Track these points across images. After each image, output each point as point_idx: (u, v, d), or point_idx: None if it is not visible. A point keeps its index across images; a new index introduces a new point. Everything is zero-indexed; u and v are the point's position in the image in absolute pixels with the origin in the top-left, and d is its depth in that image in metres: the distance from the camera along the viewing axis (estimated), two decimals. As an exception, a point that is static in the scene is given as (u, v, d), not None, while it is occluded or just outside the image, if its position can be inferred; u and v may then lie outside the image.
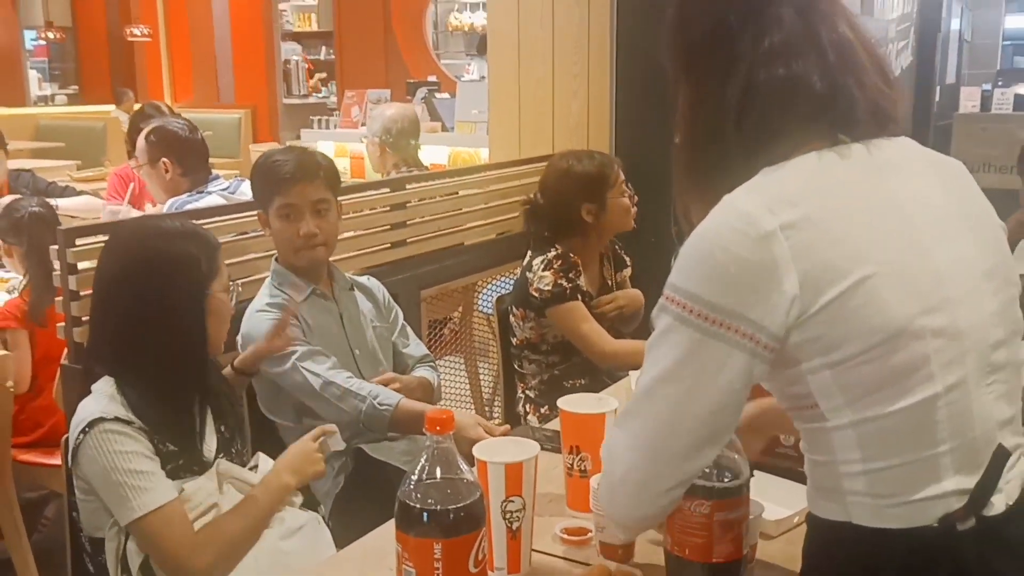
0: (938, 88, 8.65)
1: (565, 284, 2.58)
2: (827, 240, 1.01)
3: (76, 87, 13.16)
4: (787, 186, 1.04)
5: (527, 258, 2.69)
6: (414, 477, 1.12)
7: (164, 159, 3.19)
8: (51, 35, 13.23)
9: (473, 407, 3.87)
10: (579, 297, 2.60)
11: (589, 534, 1.53)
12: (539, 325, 2.65)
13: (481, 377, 3.94)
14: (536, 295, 2.60)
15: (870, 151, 1.07)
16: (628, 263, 2.89)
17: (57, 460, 2.70)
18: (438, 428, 1.11)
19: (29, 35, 13.23)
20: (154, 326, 1.68)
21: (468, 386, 3.91)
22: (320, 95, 12.02)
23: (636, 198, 2.75)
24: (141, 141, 3.27)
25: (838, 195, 1.04)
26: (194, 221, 1.99)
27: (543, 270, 2.60)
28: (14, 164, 4.34)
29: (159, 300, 1.68)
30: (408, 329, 2.43)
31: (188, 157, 3.24)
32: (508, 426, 2.00)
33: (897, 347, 1.00)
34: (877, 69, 1.10)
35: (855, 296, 0.99)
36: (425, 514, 1.10)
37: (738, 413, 1.07)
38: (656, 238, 3.36)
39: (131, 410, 1.61)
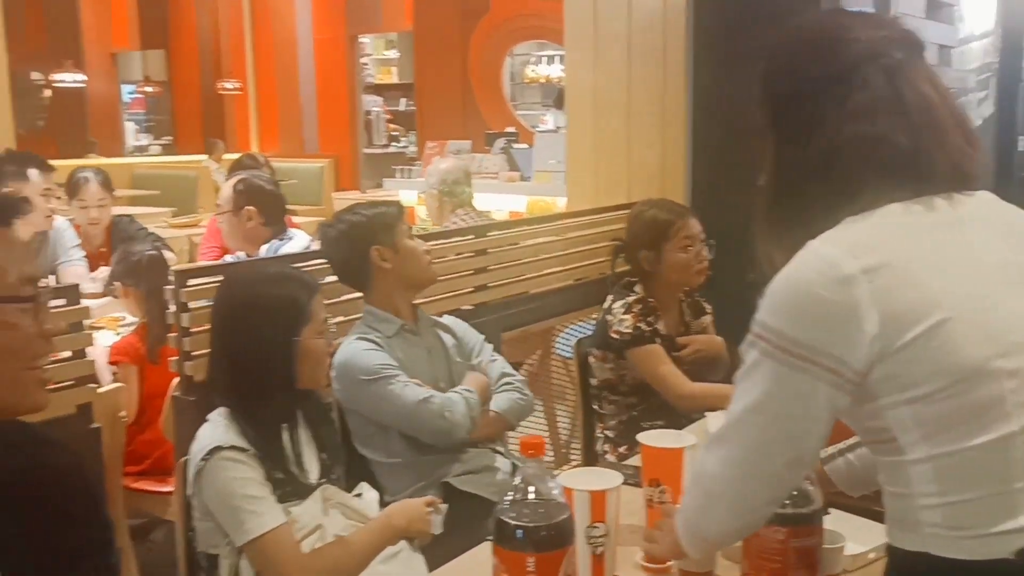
0: (1020, 139, 8.52)
1: (644, 327, 2.68)
2: (906, 285, 1.09)
3: (170, 138, 13.78)
4: (868, 234, 1.13)
5: (608, 301, 2.80)
6: (509, 497, 1.23)
7: (249, 207, 3.41)
8: (148, 89, 13.92)
9: (552, 448, 3.96)
10: (657, 340, 2.69)
11: (669, 563, 1.62)
12: (618, 367, 2.75)
13: (558, 419, 4.04)
14: (616, 337, 2.70)
15: (949, 205, 1.15)
16: (708, 310, 2.96)
17: (163, 488, 2.88)
18: (531, 452, 1.22)
19: (127, 89, 13.94)
20: (250, 363, 1.84)
21: (546, 428, 4.00)
22: (399, 145, 12.39)
23: (707, 254, 2.80)
24: (227, 189, 3.51)
25: (916, 244, 1.12)
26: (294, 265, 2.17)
27: (623, 313, 2.70)
28: (115, 211, 4.61)
29: (253, 340, 1.84)
30: (489, 354, 2.54)
31: (270, 208, 3.47)
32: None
33: (973, 386, 1.07)
34: (959, 128, 1.18)
35: (933, 338, 1.07)
36: (519, 530, 1.20)
37: (824, 438, 1.16)
38: (733, 287, 3.42)
39: (244, 438, 1.76)
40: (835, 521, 1.49)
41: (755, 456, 1.16)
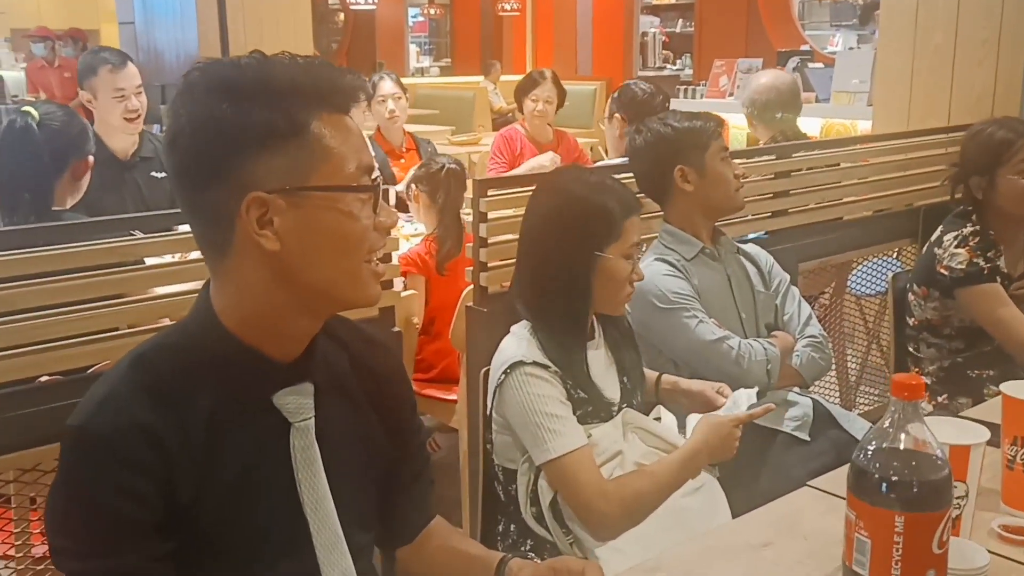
0: None
1: (982, 264, 2.35)
2: None
3: (448, 60, 14.17)
4: None
5: (937, 233, 2.48)
6: (873, 443, 1.05)
7: (618, 114, 3.30)
8: (432, 12, 14.35)
9: (838, 390, 3.69)
10: (997, 279, 2.35)
11: (1034, 535, 1.38)
12: (943, 306, 2.44)
13: (848, 361, 3.74)
14: (945, 273, 2.39)
15: None
16: None
17: (449, 396, 2.93)
18: (906, 394, 1.03)
19: (412, 12, 14.45)
20: (550, 274, 1.73)
21: (834, 369, 3.72)
22: (674, 68, 12.00)
23: None
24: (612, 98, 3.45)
25: None
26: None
27: (956, 247, 2.38)
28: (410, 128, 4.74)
29: (556, 248, 1.73)
30: (796, 301, 2.33)
31: (638, 118, 3.29)
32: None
33: None
34: None
35: None
36: (884, 484, 1.03)
37: None
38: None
39: (546, 354, 1.68)
40: None
41: None
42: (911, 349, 2.57)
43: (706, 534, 1.45)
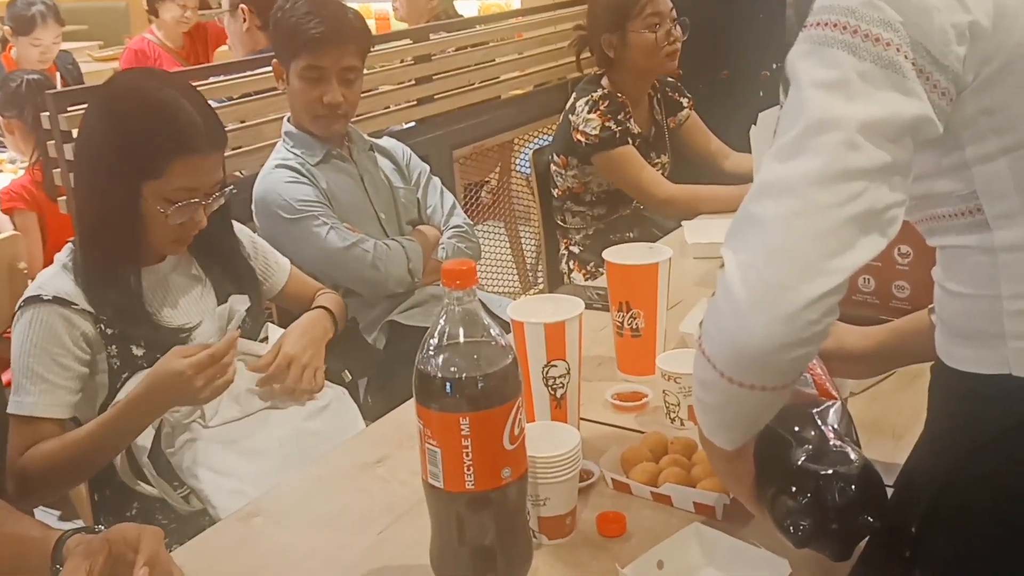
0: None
1: (613, 127, 2.34)
2: None
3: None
4: None
5: (571, 100, 2.44)
6: (433, 341, 0.93)
7: (242, 5, 2.94)
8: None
9: (517, 273, 3.70)
10: (629, 141, 2.36)
11: (644, 399, 1.36)
12: (583, 173, 2.43)
13: (523, 242, 3.76)
14: (582, 140, 2.36)
15: None
16: (685, 105, 2.60)
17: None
18: (458, 283, 0.92)
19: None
20: (89, 201, 1.47)
21: (510, 252, 3.73)
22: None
23: (678, 33, 2.42)
24: None
25: None
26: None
27: (588, 112, 2.36)
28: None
29: (95, 175, 1.45)
30: (438, 191, 2.20)
31: (267, 9, 2.97)
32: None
33: None
34: None
35: None
36: (448, 384, 0.91)
37: (907, 192, 0.79)
38: (704, 84, 3.08)
39: (80, 284, 1.41)
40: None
41: (802, 219, 0.77)
42: (559, 221, 2.56)
43: (313, 463, 1.31)
